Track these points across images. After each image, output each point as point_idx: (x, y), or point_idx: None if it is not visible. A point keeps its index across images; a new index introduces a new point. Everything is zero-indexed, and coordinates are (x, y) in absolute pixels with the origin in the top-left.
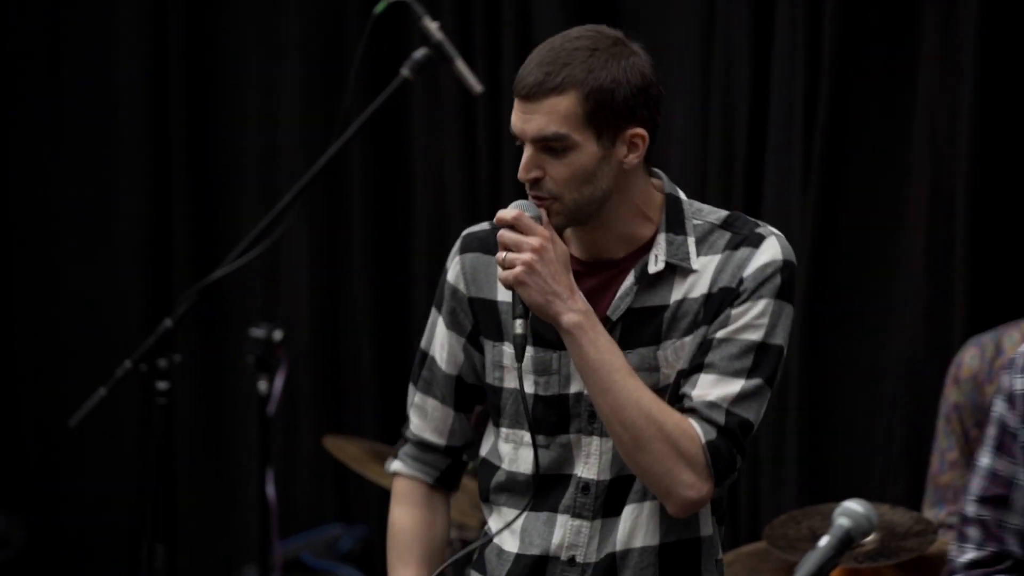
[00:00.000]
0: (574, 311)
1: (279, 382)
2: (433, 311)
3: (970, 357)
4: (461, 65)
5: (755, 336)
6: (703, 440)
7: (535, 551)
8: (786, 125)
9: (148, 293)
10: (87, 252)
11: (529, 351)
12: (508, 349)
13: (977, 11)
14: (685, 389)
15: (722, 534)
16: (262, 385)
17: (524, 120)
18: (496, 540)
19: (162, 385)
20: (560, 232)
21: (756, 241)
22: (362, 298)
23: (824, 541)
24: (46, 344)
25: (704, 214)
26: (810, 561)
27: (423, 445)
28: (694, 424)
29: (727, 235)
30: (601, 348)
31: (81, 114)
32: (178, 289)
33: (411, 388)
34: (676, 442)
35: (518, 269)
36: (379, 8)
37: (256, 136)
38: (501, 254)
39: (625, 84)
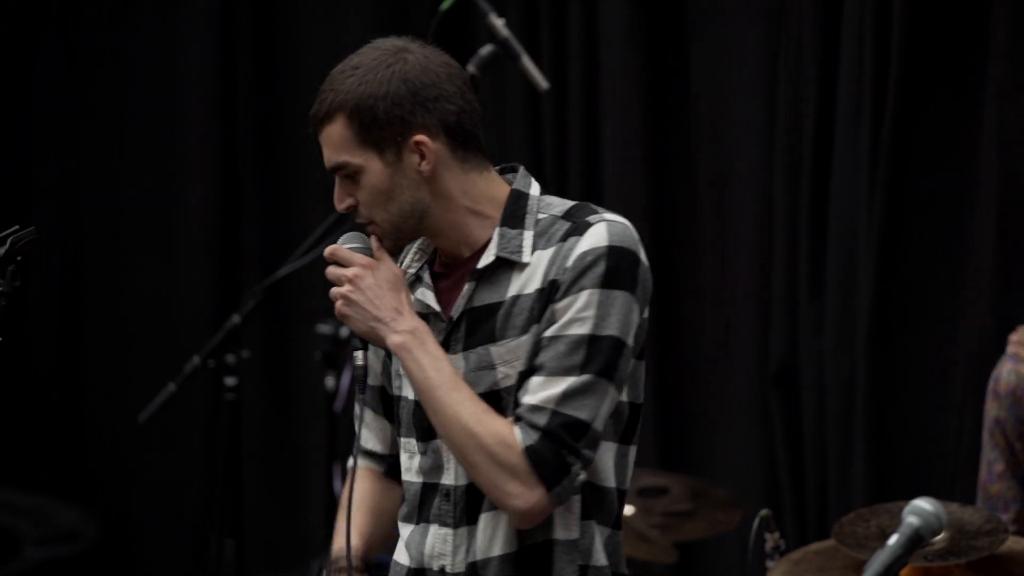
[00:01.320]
0: (397, 332)
1: (346, 378)
2: None
3: (1007, 372)
4: (527, 62)
5: (582, 330)
6: (522, 446)
7: (413, 563)
8: (854, 117)
9: (215, 289)
10: (155, 248)
11: None
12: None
13: None
14: (519, 394)
15: (616, 541)
16: (329, 381)
17: (324, 154)
18: (395, 553)
19: (230, 381)
20: (397, 252)
21: (583, 229)
22: None
23: (893, 539)
24: (115, 341)
25: (552, 207)
26: (879, 559)
27: (369, 454)
28: (516, 431)
29: (566, 225)
30: (424, 367)
31: (149, 111)
32: (245, 285)
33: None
34: (494, 454)
35: (338, 303)
36: (445, 5)
37: None
38: (331, 290)
39: (384, 96)
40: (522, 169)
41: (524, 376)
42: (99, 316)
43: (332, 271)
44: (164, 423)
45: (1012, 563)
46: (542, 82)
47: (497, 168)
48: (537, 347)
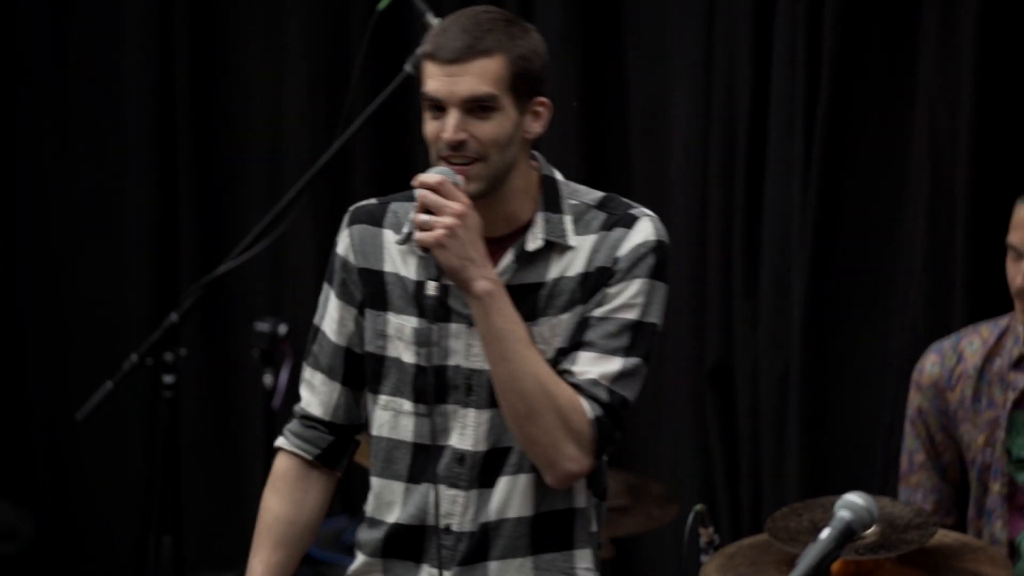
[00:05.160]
0: (487, 278)
1: (284, 376)
2: (325, 286)
3: (931, 364)
4: None
5: (631, 315)
6: (590, 416)
7: (413, 521)
8: (787, 121)
9: (154, 287)
10: (93, 246)
11: (413, 322)
12: (393, 319)
13: (977, 8)
14: (566, 366)
15: (603, 511)
16: (267, 379)
17: (453, 83)
18: (369, 511)
19: (168, 379)
20: (476, 199)
21: (630, 222)
22: None
23: (825, 533)
24: (52, 337)
25: (580, 195)
26: (811, 553)
27: (307, 419)
28: (583, 401)
29: (602, 215)
30: (507, 317)
31: (87, 107)
32: (184, 283)
33: (303, 366)
34: (567, 417)
35: (439, 232)
36: (382, 5)
37: (261, 131)
38: (421, 216)
39: (538, 56)
40: (540, 156)
41: (566, 351)
42: (37, 314)
43: (433, 199)
44: (102, 421)
45: (941, 556)
46: None
47: None
48: (583, 325)
